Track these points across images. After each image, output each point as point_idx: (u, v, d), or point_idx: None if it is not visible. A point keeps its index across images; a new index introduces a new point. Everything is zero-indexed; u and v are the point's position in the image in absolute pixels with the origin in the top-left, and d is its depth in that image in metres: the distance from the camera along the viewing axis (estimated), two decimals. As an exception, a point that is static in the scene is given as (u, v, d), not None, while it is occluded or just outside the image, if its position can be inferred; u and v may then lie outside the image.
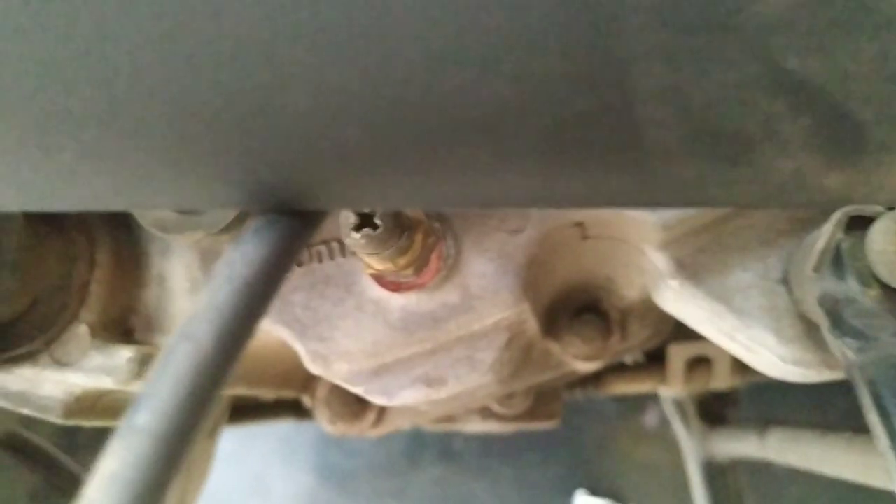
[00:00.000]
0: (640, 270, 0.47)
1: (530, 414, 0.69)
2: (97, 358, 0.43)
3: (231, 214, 0.40)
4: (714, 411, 0.82)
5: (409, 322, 0.41)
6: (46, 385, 0.45)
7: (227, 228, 0.40)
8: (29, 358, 0.43)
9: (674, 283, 0.42)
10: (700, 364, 0.71)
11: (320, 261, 0.43)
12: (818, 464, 0.59)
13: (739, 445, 0.74)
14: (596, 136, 0.19)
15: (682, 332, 0.67)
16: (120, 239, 0.46)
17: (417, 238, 0.37)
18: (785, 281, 0.41)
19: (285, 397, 0.70)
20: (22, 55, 0.19)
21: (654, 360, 0.74)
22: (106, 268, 0.44)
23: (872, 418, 0.33)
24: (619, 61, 0.18)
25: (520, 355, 0.49)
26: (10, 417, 0.53)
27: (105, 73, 0.19)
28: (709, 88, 0.18)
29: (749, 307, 0.41)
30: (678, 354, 0.70)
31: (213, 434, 0.65)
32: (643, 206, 0.21)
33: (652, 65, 0.18)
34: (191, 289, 0.45)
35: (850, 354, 0.34)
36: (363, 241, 0.34)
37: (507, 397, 0.66)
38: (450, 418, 0.70)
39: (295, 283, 0.42)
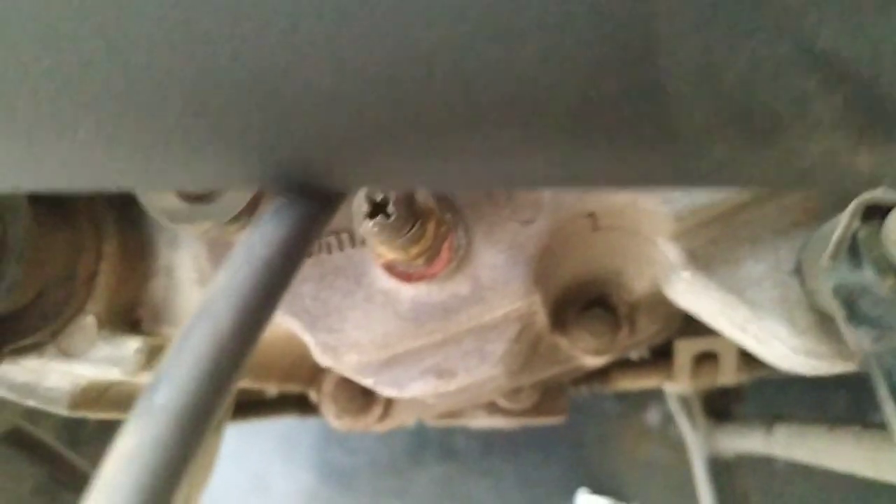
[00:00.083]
0: (650, 262, 0.47)
1: (536, 409, 0.69)
2: (105, 349, 0.42)
3: (241, 204, 0.39)
4: (719, 407, 0.82)
5: (420, 313, 0.41)
6: (52, 376, 0.44)
7: (236, 219, 0.40)
8: (35, 349, 0.43)
9: (686, 275, 0.42)
10: (707, 359, 0.71)
11: (330, 252, 0.42)
12: (826, 459, 0.59)
13: (745, 441, 0.73)
14: (625, 116, 0.19)
15: (689, 328, 0.67)
16: (127, 230, 0.46)
17: (430, 227, 0.37)
18: (797, 272, 0.41)
19: (290, 392, 0.70)
20: (37, 32, 0.19)
21: (661, 356, 0.74)
22: (113, 259, 0.44)
23: (889, 408, 0.32)
24: (650, 39, 0.17)
25: (528, 348, 0.48)
26: (14, 412, 0.52)
27: (122, 50, 0.19)
28: (740, 66, 0.18)
29: (761, 298, 0.41)
30: (685, 350, 0.70)
31: (217, 429, 0.65)
32: (671, 187, 0.20)
33: (684, 42, 0.18)
34: (198, 280, 0.45)
35: (866, 344, 0.34)
36: (376, 229, 0.34)
37: (514, 392, 0.66)
38: (455, 413, 0.70)
39: (304, 274, 0.42)
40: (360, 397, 0.62)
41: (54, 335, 0.43)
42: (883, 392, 0.33)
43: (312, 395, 0.66)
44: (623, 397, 1.37)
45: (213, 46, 0.18)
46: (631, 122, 0.19)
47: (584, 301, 0.55)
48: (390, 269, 0.40)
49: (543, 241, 0.41)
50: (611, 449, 1.40)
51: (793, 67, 0.18)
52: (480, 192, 0.41)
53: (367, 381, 0.43)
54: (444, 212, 0.40)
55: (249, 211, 0.40)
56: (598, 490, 1.35)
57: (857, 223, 0.34)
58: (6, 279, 0.38)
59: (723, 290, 0.41)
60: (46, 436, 0.55)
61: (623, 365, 0.75)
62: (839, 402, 1.14)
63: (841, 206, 0.36)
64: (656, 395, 1.26)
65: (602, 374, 0.75)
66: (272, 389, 0.73)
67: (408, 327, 0.41)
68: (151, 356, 0.43)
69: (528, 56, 0.18)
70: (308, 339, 0.42)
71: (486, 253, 0.41)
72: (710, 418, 0.82)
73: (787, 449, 0.66)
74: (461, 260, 0.41)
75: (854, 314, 0.34)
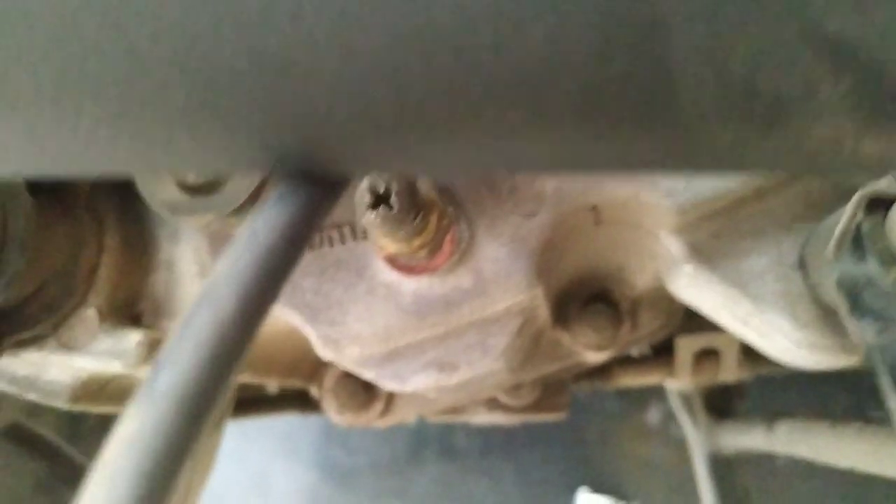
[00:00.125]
0: (652, 256, 0.47)
1: (537, 406, 0.69)
2: (106, 341, 0.42)
3: (242, 196, 0.39)
4: (721, 404, 0.82)
5: (422, 306, 0.41)
6: (53, 370, 0.44)
7: (238, 211, 0.40)
8: (36, 341, 0.43)
9: (688, 268, 0.42)
10: (708, 356, 0.71)
11: (331, 245, 0.42)
12: (828, 455, 0.59)
13: (747, 438, 0.73)
14: (631, 98, 0.19)
15: (690, 325, 0.67)
16: (128, 223, 0.46)
17: (432, 219, 0.37)
18: (800, 266, 0.41)
19: (291, 388, 0.70)
20: (38, 15, 0.19)
21: (662, 353, 0.74)
22: (114, 252, 0.44)
23: (892, 400, 0.32)
24: (658, 19, 0.17)
25: (530, 343, 0.48)
26: (14, 407, 0.52)
27: (126, 33, 0.19)
28: (748, 49, 0.18)
29: (764, 292, 0.41)
30: (686, 346, 0.70)
31: (218, 426, 0.65)
32: (676, 171, 0.20)
33: (692, 23, 0.17)
34: (200, 273, 0.45)
35: (870, 337, 0.34)
36: (378, 221, 0.34)
37: (515, 388, 0.66)
38: (456, 409, 0.69)
39: (306, 268, 0.42)
40: (362, 393, 0.62)
41: (55, 328, 0.43)
42: (886, 385, 0.33)
43: (314, 391, 0.66)
44: (624, 396, 1.37)
45: (218, 29, 0.18)
46: (637, 105, 0.19)
47: (586, 296, 0.55)
48: (392, 261, 0.40)
49: (546, 235, 0.41)
50: (611, 448, 1.40)
51: (800, 52, 0.18)
52: (483, 185, 0.41)
53: (369, 375, 0.42)
54: (446, 204, 0.39)
55: (251, 203, 0.40)
56: (598, 489, 1.35)
57: (860, 215, 0.34)
58: (8, 269, 0.38)
59: (725, 284, 0.41)
60: (47, 431, 0.55)
61: (624, 361, 0.75)
62: (840, 399, 1.14)
63: (844, 200, 0.36)
64: (657, 394, 1.26)
65: (603, 370, 0.75)
66: (273, 385, 0.73)
67: (410, 320, 0.41)
68: (153, 349, 0.42)
69: (535, 35, 0.18)
70: (309, 332, 0.42)
71: (489, 246, 0.41)
72: (711, 415, 0.81)
73: (788, 446, 0.66)
74: (463, 253, 0.41)
75: (857, 306, 0.34)
